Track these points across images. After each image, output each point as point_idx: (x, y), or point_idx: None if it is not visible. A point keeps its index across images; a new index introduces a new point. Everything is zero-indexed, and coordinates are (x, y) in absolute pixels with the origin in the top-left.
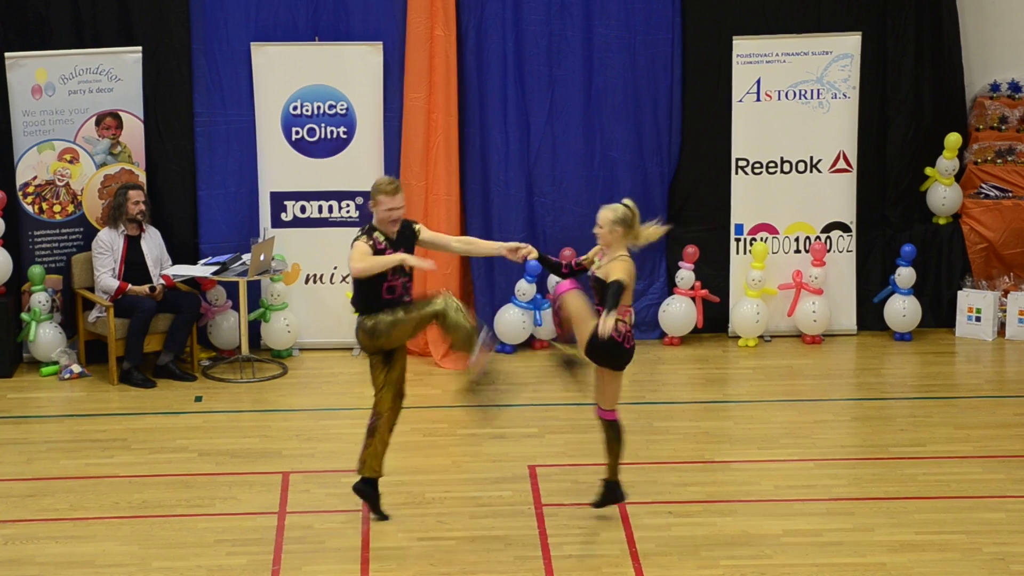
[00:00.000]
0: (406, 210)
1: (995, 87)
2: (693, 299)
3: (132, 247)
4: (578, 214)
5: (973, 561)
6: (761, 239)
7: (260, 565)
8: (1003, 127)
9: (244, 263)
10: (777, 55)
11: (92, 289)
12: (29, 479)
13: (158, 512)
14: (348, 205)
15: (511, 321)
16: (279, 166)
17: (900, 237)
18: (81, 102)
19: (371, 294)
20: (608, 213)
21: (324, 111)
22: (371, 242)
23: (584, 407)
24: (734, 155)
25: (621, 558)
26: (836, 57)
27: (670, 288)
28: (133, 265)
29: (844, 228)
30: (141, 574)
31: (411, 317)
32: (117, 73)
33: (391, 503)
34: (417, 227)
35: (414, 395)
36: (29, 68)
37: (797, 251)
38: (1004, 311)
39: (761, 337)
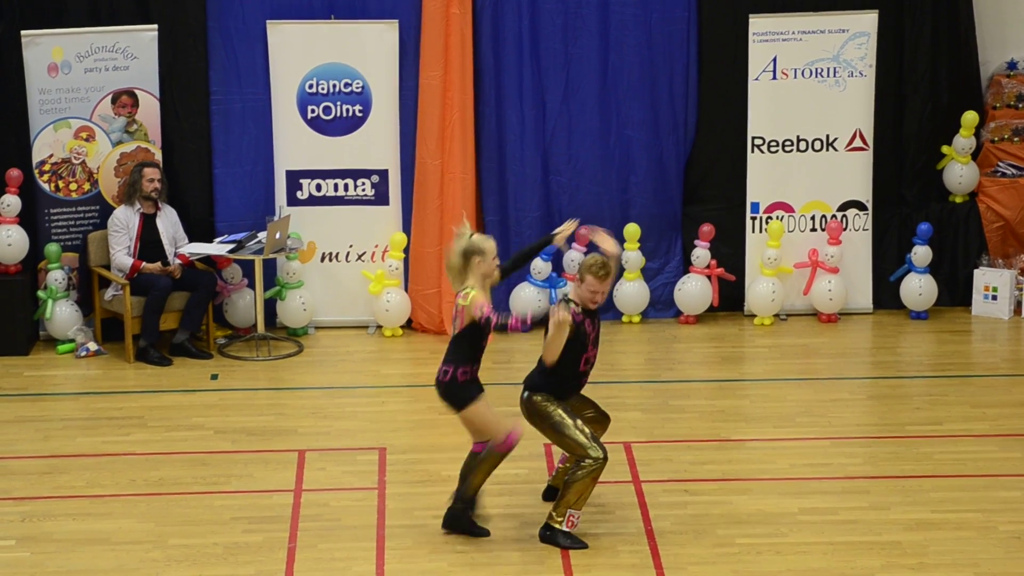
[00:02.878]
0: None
1: (1012, 65)
2: (709, 278)
3: (148, 225)
4: (594, 192)
5: (989, 539)
6: (777, 218)
7: (276, 542)
8: (1020, 105)
9: (260, 241)
10: (793, 33)
11: (108, 267)
12: (46, 456)
13: (174, 490)
14: (364, 183)
15: (527, 299)
16: (295, 144)
17: (916, 216)
18: (97, 80)
19: (571, 369)
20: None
21: (340, 89)
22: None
23: (600, 385)
24: (750, 133)
25: (637, 536)
26: (853, 35)
27: (686, 267)
28: (148, 243)
29: (860, 207)
30: (157, 551)
31: (569, 432)
32: (133, 51)
33: (407, 480)
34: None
35: (429, 373)
36: (45, 46)
37: (813, 230)
38: (1021, 289)
39: (777, 316)
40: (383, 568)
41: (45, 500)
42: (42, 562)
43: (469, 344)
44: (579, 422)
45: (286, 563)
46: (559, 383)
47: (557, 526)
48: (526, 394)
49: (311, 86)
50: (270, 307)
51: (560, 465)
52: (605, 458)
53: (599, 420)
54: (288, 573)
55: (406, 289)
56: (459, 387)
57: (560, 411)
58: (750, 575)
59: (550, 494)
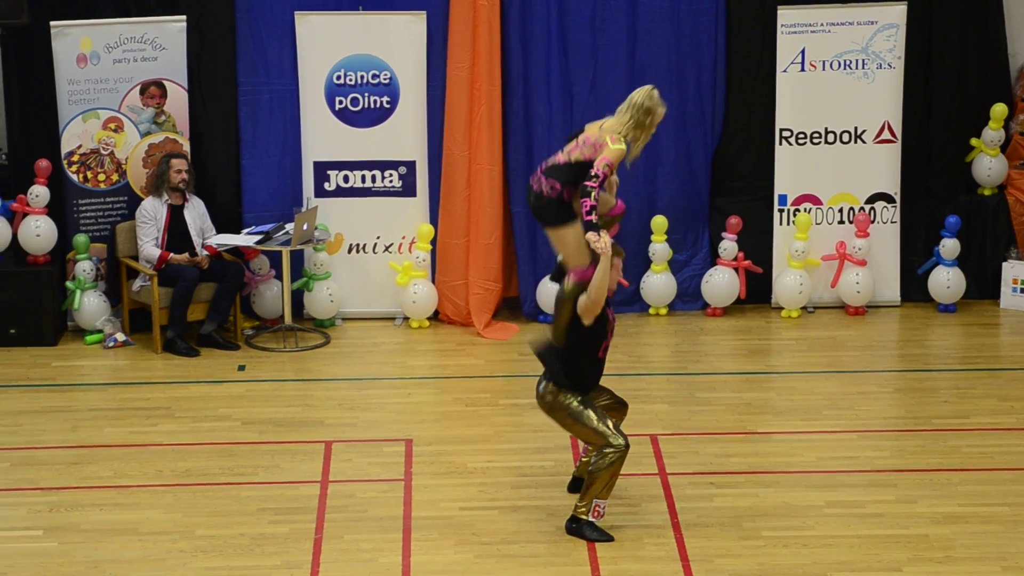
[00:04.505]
0: None
1: None
2: (736, 270)
3: (175, 216)
4: (621, 184)
5: (1017, 533)
6: (805, 210)
7: (302, 533)
8: None
9: (287, 232)
10: (822, 25)
11: (136, 258)
12: (73, 447)
13: (201, 480)
14: (391, 175)
15: (554, 291)
16: (322, 136)
17: (944, 208)
18: (126, 71)
19: (591, 356)
20: None
21: (367, 80)
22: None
23: (627, 378)
24: (778, 125)
25: (663, 529)
26: (881, 27)
27: (713, 259)
28: (176, 234)
29: (888, 199)
30: (184, 542)
31: (587, 422)
32: (162, 42)
33: (433, 472)
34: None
35: (456, 365)
36: (74, 37)
37: (841, 222)
38: None
39: (804, 308)
40: (409, 560)
41: (72, 490)
42: (69, 552)
43: (579, 175)
44: (598, 411)
45: (312, 554)
46: (580, 371)
47: (583, 517)
48: (543, 384)
49: (339, 77)
50: (297, 298)
51: (584, 457)
52: (626, 446)
53: (616, 408)
54: (314, 564)
55: (433, 281)
56: (565, 205)
57: (576, 401)
58: (776, 568)
59: (575, 486)
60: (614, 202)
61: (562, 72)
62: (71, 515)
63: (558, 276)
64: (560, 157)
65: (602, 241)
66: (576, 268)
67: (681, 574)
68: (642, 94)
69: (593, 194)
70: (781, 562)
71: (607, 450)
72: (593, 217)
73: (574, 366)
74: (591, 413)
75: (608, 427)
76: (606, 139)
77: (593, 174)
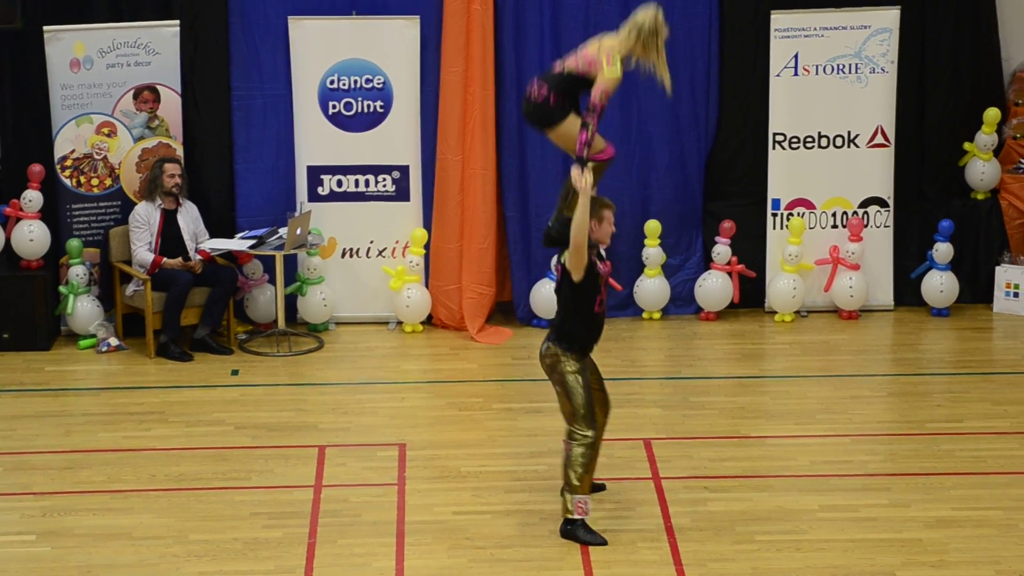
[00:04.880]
0: None
1: None
2: (729, 274)
3: (168, 221)
4: (615, 189)
5: (1010, 537)
6: (798, 214)
7: (296, 538)
8: None
9: (281, 237)
10: (815, 29)
11: (130, 262)
12: (67, 451)
13: (195, 485)
14: (385, 179)
15: (547, 295)
16: (316, 140)
17: (938, 212)
18: (119, 76)
19: (586, 312)
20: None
21: (361, 85)
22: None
23: (621, 382)
24: (771, 130)
25: (656, 533)
26: (874, 31)
27: (706, 263)
28: (170, 239)
29: (881, 203)
30: (178, 546)
31: (575, 399)
32: (155, 47)
33: (427, 476)
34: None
35: (449, 369)
36: (67, 42)
37: (834, 226)
38: None
39: (797, 312)
40: (403, 564)
41: (66, 495)
42: (63, 557)
43: (572, 86)
44: (588, 393)
45: (306, 559)
46: (577, 329)
47: (571, 517)
48: (546, 344)
49: (332, 82)
50: (291, 303)
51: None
52: (594, 441)
53: (601, 401)
54: (308, 569)
55: (426, 285)
56: (551, 108)
57: (573, 371)
58: (769, 572)
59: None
60: (603, 145)
61: None
62: (64, 520)
63: (552, 239)
64: (557, 66)
65: (584, 179)
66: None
67: None
68: (647, 16)
69: (591, 127)
70: (775, 566)
71: (575, 435)
72: (584, 152)
73: (571, 324)
74: (580, 391)
75: (587, 412)
76: (603, 60)
77: (591, 106)
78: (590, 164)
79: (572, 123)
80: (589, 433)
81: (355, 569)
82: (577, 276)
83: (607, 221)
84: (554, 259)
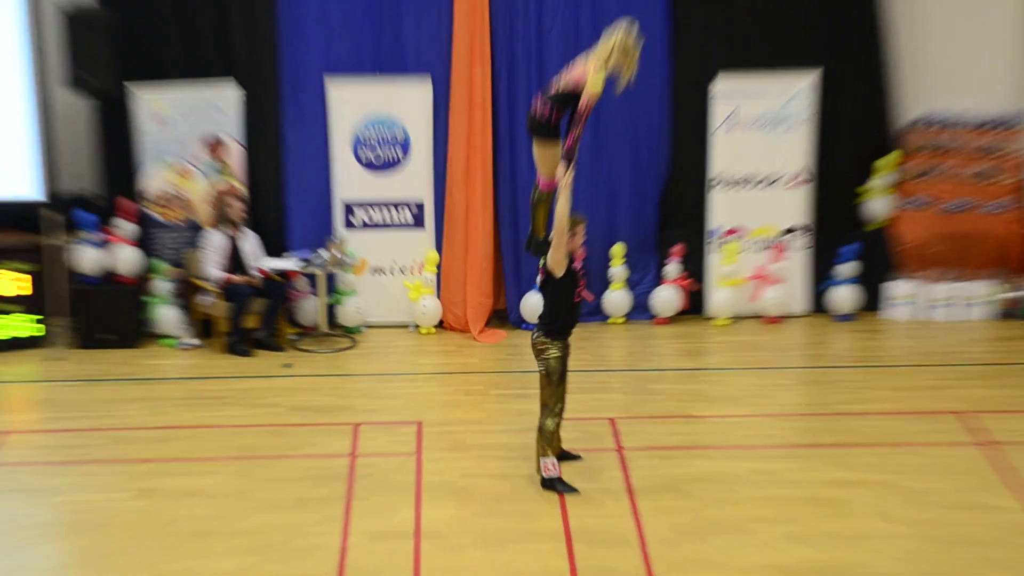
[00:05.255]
0: None
1: (920, 119)
2: (678, 287)
3: (234, 245)
4: (588, 220)
5: (896, 495)
6: (733, 239)
7: (336, 496)
8: (926, 150)
9: (323, 258)
10: (748, 91)
11: (203, 278)
12: (156, 428)
13: (256, 454)
14: (404, 212)
15: (535, 305)
16: (349, 180)
17: (843, 239)
18: (193, 128)
19: (567, 302)
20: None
21: (385, 136)
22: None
23: (591, 373)
24: (711, 173)
25: (619, 492)
26: (796, 92)
27: (659, 279)
28: (234, 259)
29: (799, 231)
30: (244, 502)
31: (552, 388)
32: (222, 106)
33: (439, 447)
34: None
35: (457, 363)
36: (151, 101)
37: (761, 249)
38: (925, 298)
39: (732, 318)
40: (420, 515)
41: (156, 462)
42: (154, 510)
43: (566, 101)
44: (563, 383)
45: (344, 511)
46: (559, 315)
47: (543, 474)
48: (536, 334)
49: (363, 133)
50: (331, 310)
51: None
52: (558, 422)
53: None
54: (346, 519)
55: (438, 296)
56: (551, 126)
57: (556, 358)
58: (708, 522)
59: (565, 456)
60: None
61: None
62: (156, 481)
63: (534, 246)
64: (553, 85)
65: (567, 176)
66: (545, 178)
67: (633, 528)
68: (620, 36)
69: (577, 131)
70: (712, 517)
71: (546, 421)
72: (571, 154)
73: (556, 311)
74: (558, 379)
75: (560, 399)
76: (589, 71)
77: (577, 115)
78: (573, 162)
79: (556, 152)
80: (556, 420)
81: (383, 520)
82: (559, 273)
83: (579, 234)
84: (541, 261)
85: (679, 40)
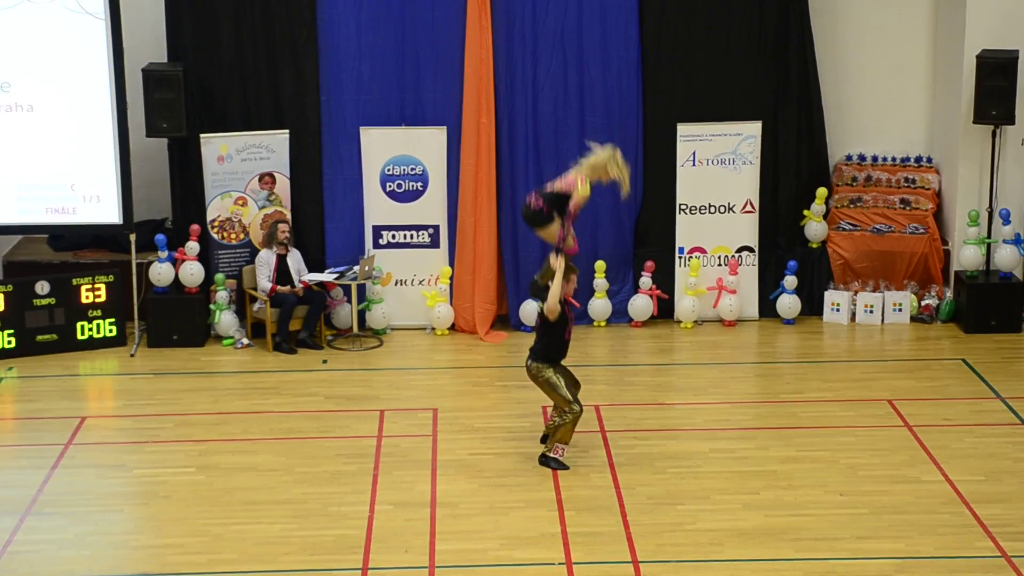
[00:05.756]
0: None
1: (849, 157)
2: (651, 296)
3: (281, 261)
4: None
5: (833, 469)
6: (696, 257)
7: (365, 470)
8: (854, 183)
9: (355, 272)
10: (706, 136)
11: (256, 289)
12: (215, 413)
13: (299, 435)
14: (423, 234)
15: (531, 311)
16: (378, 208)
17: (787, 256)
18: (249, 166)
19: (559, 338)
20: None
21: (407, 172)
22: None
23: (578, 367)
24: (678, 201)
25: (602, 468)
26: (745, 137)
27: (635, 289)
28: (282, 273)
29: (750, 249)
30: (288, 476)
31: (559, 391)
32: (272, 147)
33: (452, 430)
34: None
35: (467, 359)
36: (215, 144)
37: (719, 264)
38: (855, 305)
39: (695, 322)
40: (435, 487)
41: (214, 442)
42: (213, 482)
43: (558, 200)
44: (566, 383)
45: (372, 484)
46: (554, 349)
47: (549, 454)
48: (530, 361)
49: (389, 170)
50: (362, 315)
51: (550, 421)
52: (581, 410)
53: (575, 383)
54: (373, 491)
55: (451, 303)
56: (543, 215)
57: (555, 375)
58: (678, 491)
59: (544, 439)
60: (572, 243)
61: (536, 168)
62: (214, 458)
63: (534, 291)
64: (548, 186)
65: (557, 262)
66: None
67: (615, 497)
68: (604, 157)
69: (568, 228)
70: (680, 488)
71: (567, 412)
72: (560, 245)
73: (550, 344)
74: (561, 383)
75: (571, 396)
76: (577, 182)
77: (567, 214)
78: (563, 253)
79: (555, 226)
80: (576, 408)
81: (404, 491)
82: (553, 319)
83: (572, 282)
84: (536, 305)
85: (648, 91)
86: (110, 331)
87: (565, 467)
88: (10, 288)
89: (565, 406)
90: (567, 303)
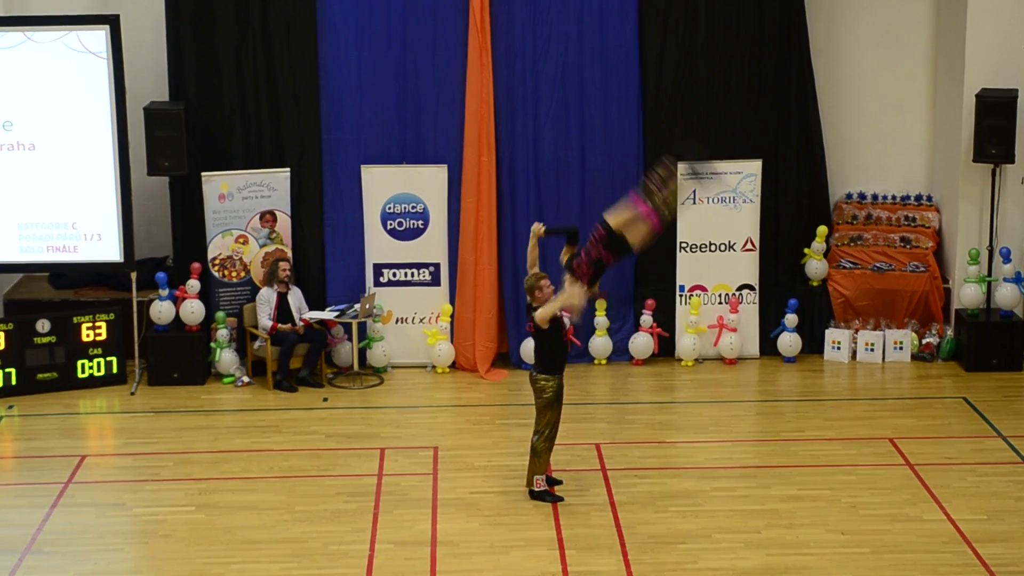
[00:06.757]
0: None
1: (849, 196)
2: (651, 334)
3: (282, 299)
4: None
5: (835, 508)
6: (697, 295)
7: (365, 509)
8: (854, 222)
9: (355, 310)
10: (706, 174)
11: (256, 327)
12: (215, 451)
13: (299, 474)
14: (424, 272)
15: (531, 349)
16: (379, 246)
17: (788, 294)
18: (250, 204)
19: (557, 342)
20: None
21: (408, 210)
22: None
23: (579, 406)
24: (679, 239)
25: (603, 506)
26: (745, 175)
27: (636, 326)
28: (283, 311)
29: (751, 288)
30: (288, 514)
31: (546, 416)
32: (273, 186)
33: (452, 468)
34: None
35: (467, 397)
36: (216, 182)
37: (720, 303)
38: (856, 343)
39: (696, 360)
40: (436, 526)
41: (214, 480)
42: (212, 521)
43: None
44: (555, 417)
45: (372, 522)
46: (555, 353)
47: (534, 489)
48: (533, 373)
49: (390, 208)
50: (362, 353)
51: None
52: (546, 448)
53: (554, 435)
54: (373, 529)
55: (452, 342)
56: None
57: (550, 392)
58: (679, 530)
59: (550, 481)
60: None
61: (536, 205)
62: (213, 496)
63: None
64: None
65: (573, 288)
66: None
67: (615, 535)
68: (578, 297)
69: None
70: (681, 527)
71: (539, 443)
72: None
73: (547, 353)
74: (551, 413)
75: (551, 426)
76: (574, 292)
77: (575, 273)
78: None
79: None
80: (542, 443)
81: (405, 530)
82: (544, 327)
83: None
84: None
85: (648, 130)
86: (111, 369)
87: (559, 499)
88: (11, 326)
89: (542, 426)
90: (563, 317)
